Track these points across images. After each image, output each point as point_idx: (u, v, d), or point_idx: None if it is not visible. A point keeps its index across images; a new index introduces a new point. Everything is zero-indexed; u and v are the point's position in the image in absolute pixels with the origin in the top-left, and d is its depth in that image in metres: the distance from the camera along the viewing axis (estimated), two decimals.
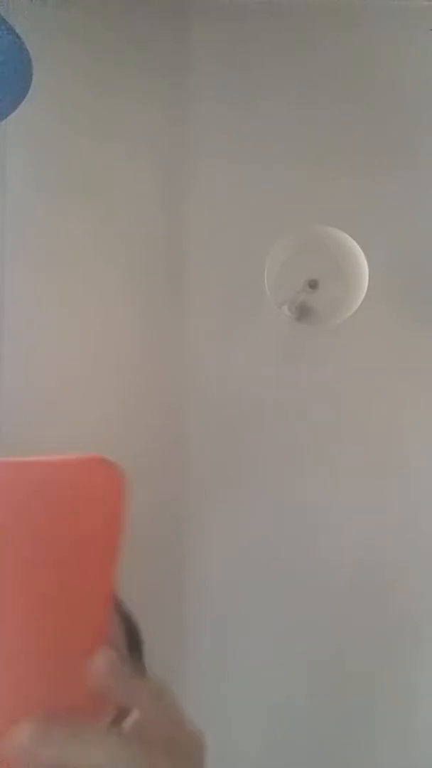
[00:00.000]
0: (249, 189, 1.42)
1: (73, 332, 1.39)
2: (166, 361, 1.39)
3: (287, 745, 1.28)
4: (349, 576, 1.32)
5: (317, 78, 1.45)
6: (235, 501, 1.35)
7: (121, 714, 0.56)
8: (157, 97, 1.45)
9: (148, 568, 1.32)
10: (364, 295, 1.31)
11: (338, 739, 1.28)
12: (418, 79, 1.44)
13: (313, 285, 1.31)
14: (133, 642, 0.79)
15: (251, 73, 1.45)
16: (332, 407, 1.38)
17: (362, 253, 1.31)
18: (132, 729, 0.51)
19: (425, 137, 1.43)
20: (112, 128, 1.43)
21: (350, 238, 1.31)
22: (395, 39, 1.45)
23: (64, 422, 1.35)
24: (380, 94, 1.44)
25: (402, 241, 1.41)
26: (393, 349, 1.39)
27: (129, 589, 1.30)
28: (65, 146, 1.42)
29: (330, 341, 1.37)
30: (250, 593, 1.32)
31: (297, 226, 1.35)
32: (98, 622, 0.52)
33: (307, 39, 1.45)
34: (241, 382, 1.38)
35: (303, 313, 1.32)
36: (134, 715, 0.51)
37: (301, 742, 1.28)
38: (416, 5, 1.43)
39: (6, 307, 1.38)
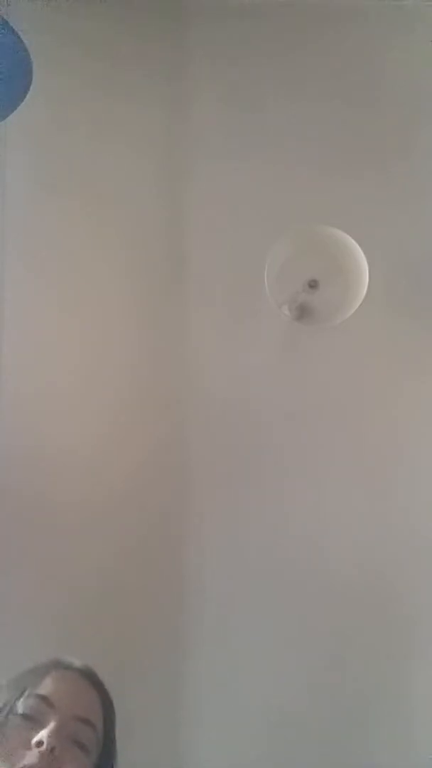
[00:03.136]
0: (249, 189, 1.42)
1: (74, 332, 1.39)
2: (166, 362, 1.39)
3: (287, 751, 1.27)
4: (349, 578, 1.31)
5: (316, 78, 1.45)
6: (235, 500, 1.35)
7: None
8: (157, 96, 1.45)
9: (147, 571, 1.32)
10: (364, 295, 1.30)
11: (337, 744, 1.28)
12: (418, 79, 1.44)
13: (313, 285, 1.30)
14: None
15: (250, 73, 1.45)
16: (332, 407, 1.37)
17: (362, 253, 1.31)
18: None
19: (425, 138, 1.43)
20: (111, 128, 1.43)
21: (350, 238, 1.31)
22: (393, 39, 1.45)
23: (64, 421, 1.35)
24: (380, 95, 1.44)
25: (402, 241, 1.41)
26: (393, 349, 1.39)
27: (129, 597, 1.30)
28: (65, 146, 1.42)
29: (330, 341, 1.37)
30: (249, 596, 1.32)
31: (297, 226, 1.35)
32: None
33: (305, 39, 1.45)
34: (241, 381, 1.38)
35: (303, 313, 1.32)
36: None
37: (300, 747, 1.27)
38: (415, 5, 1.44)
39: (6, 307, 1.38)
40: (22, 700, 0.88)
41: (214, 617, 1.32)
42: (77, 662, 0.96)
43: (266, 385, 1.38)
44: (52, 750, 0.83)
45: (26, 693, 0.89)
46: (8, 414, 1.34)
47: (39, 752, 0.83)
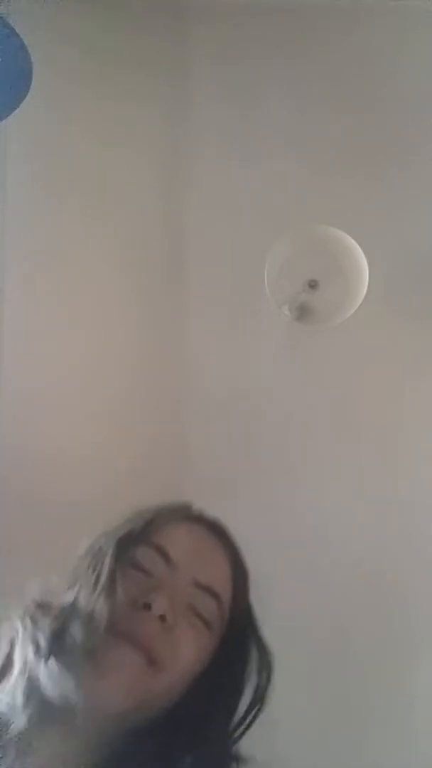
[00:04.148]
0: (249, 189, 1.42)
1: (74, 331, 1.39)
2: (166, 362, 1.39)
3: (286, 751, 1.27)
4: (350, 577, 1.31)
5: (316, 78, 1.45)
6: (235, 500, 1.35)
7: None
8: (157, 97, 1.45)
9: None
10: (364, 295, 1.30)
11: (337, 744, 1.28)
12: (418, 79, 1.44)
13: (313, 285, 1.30)
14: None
15: (250, 73, 1.45)
16: (332, 407, 1.37)
17: (362, 253, 1.31)
18: None
19: (425, 137, 1.43)
20: (111, 128, 1.44)
21: (350, 238, 1.31)
22: (394, 39, 1.45)
23: (65, 420, 1.35)
24: (379, 94, 1.44)
25: (402, 242, 1.41)
26: (393, 349, 1.39)
27: None
28: (65, 146, 1.42)
29: (330, 341, 1.37)
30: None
31: (297, 225, 1.35)
32: None
33: (306, 39, 1.45)
34: (241, 381, 1.38)
35: (303, 313, 1.32)
36: None
37: (300, 747, 1.27)
38: (416, 5, 1.44)
39: (6, 306, 1.38)
40: (141, 542, 0.76)
41: None
42: (208, 515, 0.83)
43: (266, 385, 1.38)
44: (162, 618, 0.70)
45: (148, 532, 0.77)
46: (8, 413, 1.34)
47: (147, 616, 0.70)
